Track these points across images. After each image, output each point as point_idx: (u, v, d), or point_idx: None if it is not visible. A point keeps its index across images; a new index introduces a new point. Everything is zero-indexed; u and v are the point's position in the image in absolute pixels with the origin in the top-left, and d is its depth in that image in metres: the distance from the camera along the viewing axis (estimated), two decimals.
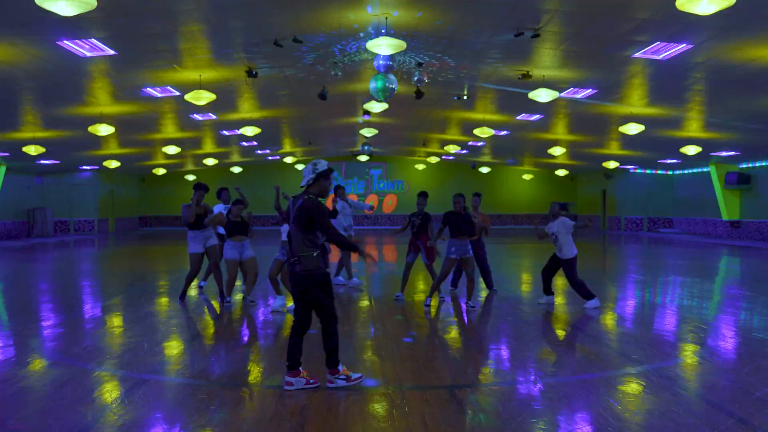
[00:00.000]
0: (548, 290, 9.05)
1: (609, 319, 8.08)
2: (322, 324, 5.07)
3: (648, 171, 30.40)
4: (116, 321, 8.03)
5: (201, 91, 11.74)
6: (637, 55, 10.44)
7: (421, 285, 11.20)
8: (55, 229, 28.88)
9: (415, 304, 9.22)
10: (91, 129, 14.67)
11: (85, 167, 27.82)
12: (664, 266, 14.87)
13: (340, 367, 5.07)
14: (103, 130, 14.51)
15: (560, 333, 7.33)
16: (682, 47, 9.78)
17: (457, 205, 8.65)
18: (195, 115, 17.00)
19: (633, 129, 14.81)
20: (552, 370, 5.59)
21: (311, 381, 5.02)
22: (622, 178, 30.72)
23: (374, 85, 10.61)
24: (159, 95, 13.75)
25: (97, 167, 27.47)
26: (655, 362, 5.78)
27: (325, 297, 5.03)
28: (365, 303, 9.46)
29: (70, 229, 29.37)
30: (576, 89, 13.47)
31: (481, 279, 10.48)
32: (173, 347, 6.56)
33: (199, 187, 9.36)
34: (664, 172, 30.27)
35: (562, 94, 13.57)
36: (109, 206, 30.70)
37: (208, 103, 13.79)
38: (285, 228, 7.85)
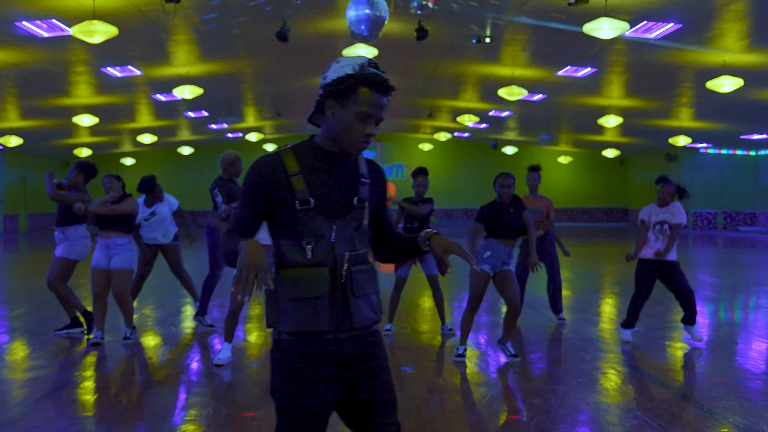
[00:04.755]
0: (634, 321, 7.16)
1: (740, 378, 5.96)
2: None
3: (723, 151, 28.97)
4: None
5: (94, 21, 9.56)
6: None
7: (426, 305, 9.41)
8: None
9: (421, 339, 7.27)
10: None
11: None
12: None
13: None
14: None
15: (661, 400, 5.16)
16: None
17: (505, 191, 6.12)
18: (110, 68, 14.86)
19: (728, 84, 12.87)
20: None
21: None
22: (689, 161, 29.39)
23: None
24: (46, 34, 11.60)
25: (0, 147, 25.35)
26: None
27: None
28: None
29: None
30: (650, 23, 11.40)
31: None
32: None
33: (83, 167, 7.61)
34: (744, 153, 28.88)
35: (630, 33, 11.47)
36: (19, 198, 28.79)
37: (110, 42, 11.66)
38: None
